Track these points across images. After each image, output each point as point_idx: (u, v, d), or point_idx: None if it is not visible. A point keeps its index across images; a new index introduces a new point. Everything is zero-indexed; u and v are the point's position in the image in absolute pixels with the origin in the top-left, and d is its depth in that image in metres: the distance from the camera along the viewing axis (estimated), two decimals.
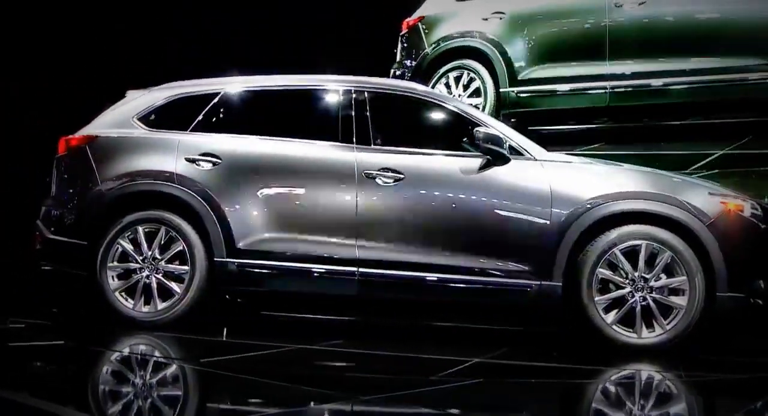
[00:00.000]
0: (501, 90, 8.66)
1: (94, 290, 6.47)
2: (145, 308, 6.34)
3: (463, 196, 6.18)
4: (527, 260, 6.05)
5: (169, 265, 6.39)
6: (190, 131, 6.80)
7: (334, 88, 6.76)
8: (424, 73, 9.24)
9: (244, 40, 11.26)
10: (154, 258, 6.40)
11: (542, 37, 8.65)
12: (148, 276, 6.38)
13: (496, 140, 6.08)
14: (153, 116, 6.99)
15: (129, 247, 6.46)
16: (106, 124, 7.05)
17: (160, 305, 6.31)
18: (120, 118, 7.05)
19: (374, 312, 7.40)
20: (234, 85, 7.04)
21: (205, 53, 11.22)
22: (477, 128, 6.16)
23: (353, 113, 6.54)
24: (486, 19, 8.87)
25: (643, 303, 5.85)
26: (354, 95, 6.62)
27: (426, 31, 9.29)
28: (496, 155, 6.13)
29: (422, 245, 6.16)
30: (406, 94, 6.78)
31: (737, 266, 5.86)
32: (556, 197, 6.04)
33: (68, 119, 7.39)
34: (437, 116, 6.76)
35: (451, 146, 6.42)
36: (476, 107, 8.65)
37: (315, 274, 6.26)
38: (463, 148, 6.36)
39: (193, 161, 6.52)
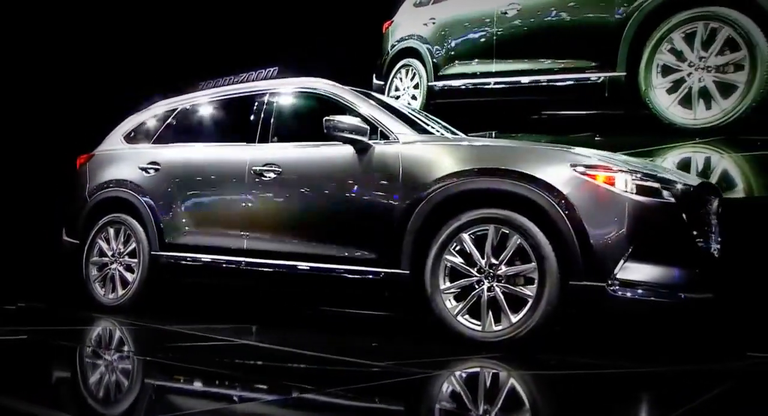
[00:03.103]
0: (429, 84, 8.93)
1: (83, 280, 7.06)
2: (111, 295, 6.82)
3: (326, 185, 5.70)
4: (376, 247, 5.35)
5: (130, 259, 6.80)
6: (152, 143, 7.24)
7: (253, 94, 6.68)
8: (387, 69, 9.63)
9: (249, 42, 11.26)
10: (119, 253, 6.88)
11: (455, 39, 8.84)
12: (115, 268, 6.87)
13: (348, 128, 5.50)
14: (133, 134, 7.52)
15: (104, 245, 6.99)
16: (106, 143, 7.67)
17: (120, 292, 6.76)
18: (113, 137, 7.65)
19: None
20: (187, 101, 7.36)
21: (209, 59, 11.40)
22: (326, 118, 5.52)
23: (261, 115, 6.42)
24: (425, 24, 9.20)
25: (491, 293, 4.81)
26: (265, 98, 6.50)
27: (391, 33, 9.66)
28: (350, 142, 5.56)
29: (290, 234, 5.84)
30: (305, 91, 6.43)
31: (597, 250, 4.59)
32: (405, 181, 5.28)
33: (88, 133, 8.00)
34: (329, 109, 5.92)
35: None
36: (416, 98, 9.05)
37: (216, 265, 6.24)
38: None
39: (143, 169, 6.91)
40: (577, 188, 4.69)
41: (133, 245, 6.79)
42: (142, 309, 6.63)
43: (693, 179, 5.29)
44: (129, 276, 6.78)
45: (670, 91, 6.80)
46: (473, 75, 8.52)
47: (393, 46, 9.58)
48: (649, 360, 5.03)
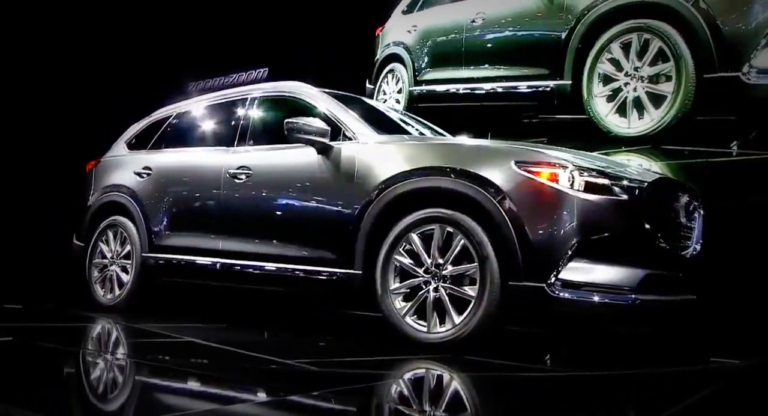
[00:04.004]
0: (409, 89, 9.15)
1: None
2: (109, 296, 7.05)
3: (289, 186, 5.71)
4: (334, 247, 5.29)
5: (125, 260, 6.98)
6: (149, 149, 7.44)
7: (235, 99, 6.77)
8: (376, 74, 9.88)
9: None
10: (117, 255, 7.08)
11: (431, 46, 9.06)
12: (113, 270, 7.08)
13: (307, 130, 5.47)
14: (133, 141, 7.76)
15: (105, 247, 7.22)
16: (111, 149, 7.93)
17: (117, 293, 6.97)
18: (118, 144, 7.91)
19: None
20: (180, 107, 7.55)
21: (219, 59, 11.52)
22: (287, 120, 5.50)
23: (240, 119, 6.52)
24: (409, 31, 9.42)
25: (437, 294, 4.70)
26: (246, 102, 6.59)
27: (382, 38, 9.89)
28: (310, 143, 5.55)
29: (258, 235, 5.86)
30: (280, 95, 6.48)
31: (537, 249, 4.41)
32: (359, 181, 5.24)
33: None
34: (302, 111, 5.89)
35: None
36: (399, 102, 9.27)
37: (195, 266, 6.30)
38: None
39: (138, 174, 7.12)
40: (518, 186, 4.52)
41: (129, 247, 6.96)
42: (135, 308, 6.85)
43: (651, 176, 4.98)
44: (124, 277, 6.95)
45: (609, 99, 6.94)
46: (445, 81, 8.73)
47: (382, 51, 9.83)
48: (613, 364, 4.94)
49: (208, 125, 7.15)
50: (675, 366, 4.87)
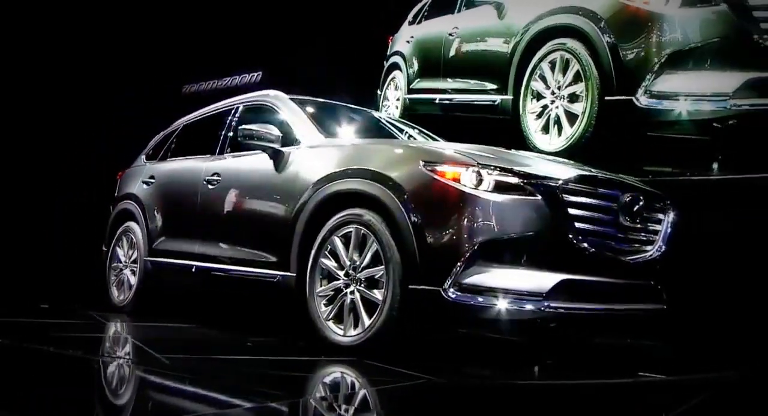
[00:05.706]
0: (403, 96, 9.43)
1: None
2: (121, 297, 7.52)
3: (245, 191, 5.91)
4: (275, 250, 5.36)
5: (133, 264, 7.42)
6: (158, 159, 7.90)
7: (226, 109, 6.96)
8: (382, 81, 10.18)
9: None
10: (129, 258, 7.54)
11: (420, 57, 9.31)
12: (125, 273, 7.56)
13: (257, 136, 5.60)
14: (150, 152, 8.27)
15: (120, 252, 7.71)
16: (135, 160, 8.45)
17: (126, 294, 7.43)
18: (140, 155, 8.43)
19: None
20: (187, 119, 7.97)
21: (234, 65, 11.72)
22: (240, 127, 5.72)
23: (223, 129, 6.71)
24: (407, 41, 9.65)
25: (354, 297, 4.67)
26: (230, 112, 6.79)
27: (390, 47, 10.18)
28: (262, 149, 5.71)
29: (223, 239, 6.02)
30: (257, 103, 6.62)
31: (434, 252, 4.26)
32: (295, 185, 5.32)
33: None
34: (273, 118, 6.09)
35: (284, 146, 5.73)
36: (398, 108, 9.58)
37: (179, 269, 6.53)
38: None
39: (145, 182, 7.59)
40: (420, 186, 4.42)
41: (137, 251, 7.40)
42: (141, 308, 7.28)
43: (573, 173, 4.67)
44: (132, 280, 7.39)
45: (537, 116, 7.05)
46: (429, 91, 8.95)
47: (387, 59, 10.13)
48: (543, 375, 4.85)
49: (202, 135, 7.44)
50: (595, 378, 4.62)
